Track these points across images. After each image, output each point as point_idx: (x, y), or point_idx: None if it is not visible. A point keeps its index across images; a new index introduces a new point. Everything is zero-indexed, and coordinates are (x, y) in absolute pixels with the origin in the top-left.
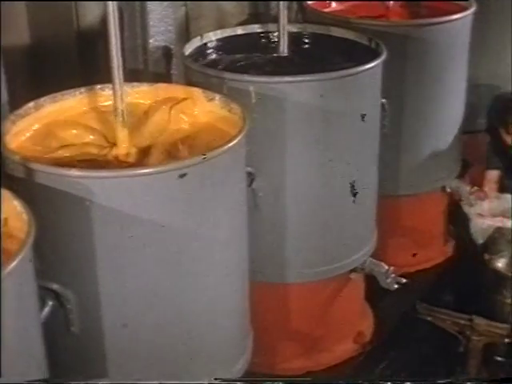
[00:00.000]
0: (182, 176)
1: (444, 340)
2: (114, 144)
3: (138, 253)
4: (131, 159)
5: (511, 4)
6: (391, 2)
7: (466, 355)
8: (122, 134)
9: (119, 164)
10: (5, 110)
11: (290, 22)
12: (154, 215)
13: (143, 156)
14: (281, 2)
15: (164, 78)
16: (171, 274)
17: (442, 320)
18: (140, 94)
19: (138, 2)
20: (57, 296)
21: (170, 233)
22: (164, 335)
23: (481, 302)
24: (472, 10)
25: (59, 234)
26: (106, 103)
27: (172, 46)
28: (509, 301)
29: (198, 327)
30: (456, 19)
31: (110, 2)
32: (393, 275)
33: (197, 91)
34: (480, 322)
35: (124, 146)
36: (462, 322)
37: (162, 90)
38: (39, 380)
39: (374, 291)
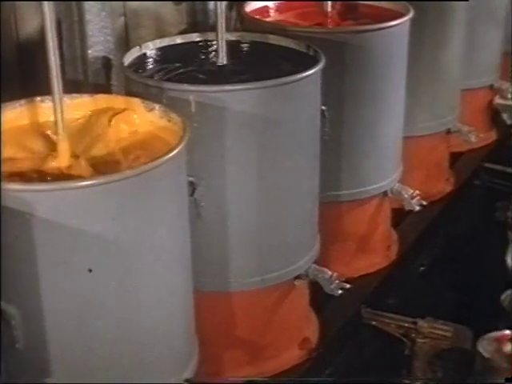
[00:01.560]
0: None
1: (389, 344)
2: (55, 156)
3: (80, 266)
4: (73, 171)
5: (447, 10)
6: (329, 10)
7: (411, 358)
8: (63, 146)
9: (61, 176)
10: None
11: (228, 30)
12: (95, 227)
13: (84, 168)
14: (218, 11)
15: (104, 88)
16: (114, 286)
17: (386, 324)
18: (80, 105)
19: (76, 13)
20: (0, 312)
21: (111, 244)
22: (109, 347)
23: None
24: (409, 16)
25: (1, 249)
26: (47, 115)
27: (111, 57)
28: None
29: (143, 338)
30: (393, 26)
31: (47, 13)
32: (337, 281)
33: (136, 101)
34: (424, 324)
35: (65, 158)
36: (407, 325)
37: (102, 100)
38: None
39: (319, 297)
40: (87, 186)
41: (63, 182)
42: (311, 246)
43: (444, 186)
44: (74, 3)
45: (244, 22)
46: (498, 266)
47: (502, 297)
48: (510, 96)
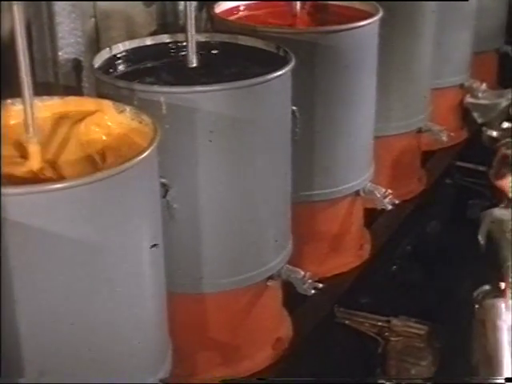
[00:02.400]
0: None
1: (363, 343)
2: (26, 159)
3: (52, 268)
4: (44, 174)
5: (416, 9)
6: (298, 11)
7: (385, 356)
8: (34, 149)
9: (32, 179)
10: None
11: (198, 31)
12: (68, 230)
13: (56, 170)
14: (188, 12)
15: (75, 90)
16: (86, 288)
17: (360, 323)
18: (51, 107)
19: (45, 14)
20: None
21: (83, 247)
22: (83, 348)
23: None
24: (378, 16)
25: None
26: (18, 118)
27: (82, 58)
28: None
29: (115, 340)
30: (363, 25)
31: (17, 15)
32: (309, 281)
33: (107, 103)
34: (397, 323)
35: (36, 161)
36: (380, 323)
37: (73, 103)
38: None
39: (292, 297)
40: (59, 189)
41: (35, 185)
42: (284, 246)
43: (416, 184)
44: (43, 5)
45: (214, 23)
46: (471, 264)
47: (475, 294)
48: (480, 95)
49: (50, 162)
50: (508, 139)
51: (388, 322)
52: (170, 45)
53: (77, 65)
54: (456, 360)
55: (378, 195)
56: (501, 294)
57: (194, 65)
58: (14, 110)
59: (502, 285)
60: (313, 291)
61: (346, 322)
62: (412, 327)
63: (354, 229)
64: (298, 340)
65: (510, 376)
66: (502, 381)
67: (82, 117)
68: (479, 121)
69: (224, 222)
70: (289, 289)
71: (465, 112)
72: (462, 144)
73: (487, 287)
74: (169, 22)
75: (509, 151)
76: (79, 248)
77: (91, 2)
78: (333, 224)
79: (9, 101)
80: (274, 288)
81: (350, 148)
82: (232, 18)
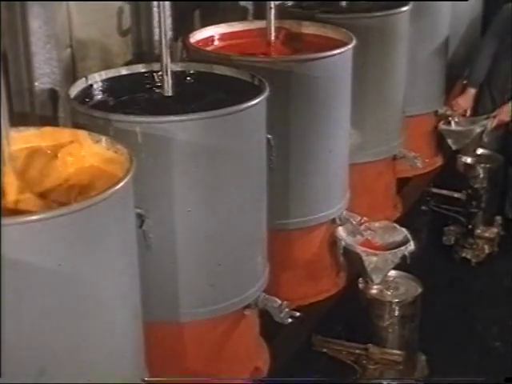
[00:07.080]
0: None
1: (340, 371)
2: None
3: (27, 298)
4: (20, 206)
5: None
6: (273, 40)
7: None
8: (10, 181)
9: (7, 211)
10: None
11: (174, 61)
12: (43, 261)
13: (32, 202)
14: (163, 42)
15: (51, 120)
16: (61, 319)
17: (337, 351)
18: (27, 138)
19: (22, 45)
20: None
21: (59, 278)
22: (57, 378)
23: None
24: (352, 44)
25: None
26: None
27: (58, 88)
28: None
29: (91, 369)
30: (337, 54)
31: None
32: (286, 309)
33: (83, 134)
34: (375, 350)
35: (12, 193)
36: (357, 351)
37: (49, 133)
38: None
39: (269, 326)
40: (34, 220)
41: (9, 217)
42: (260, 275)
43: (391, 211)
44: (20, 35)
45: (189, 53)
46: (446, 291)
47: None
48: (454, 122)
49: (27, 194)
50: None
51: (365, 349)
52: (145, 74)
53: (53, 95)
54: None
55: (354, 223)
56: None
57: (170, 94)
58: None
59: None
60: (289, 320)
61: (324, 350)
62: (388, 354)
63: (329, 256)
64: (276, 369)
65: None
66: None
67: (58, 147)
68: (453, 147)
69: (201, 252)
70: (266, 317)
71: (439, 139)
72: (437, 170)
73: None
74: (144, 52)
75: None
76: (54, 278)
77: (67, 32)
78: (309, 252)
79: None
80: (251, 317)
81: (325, 176)
82: (207, 47)
